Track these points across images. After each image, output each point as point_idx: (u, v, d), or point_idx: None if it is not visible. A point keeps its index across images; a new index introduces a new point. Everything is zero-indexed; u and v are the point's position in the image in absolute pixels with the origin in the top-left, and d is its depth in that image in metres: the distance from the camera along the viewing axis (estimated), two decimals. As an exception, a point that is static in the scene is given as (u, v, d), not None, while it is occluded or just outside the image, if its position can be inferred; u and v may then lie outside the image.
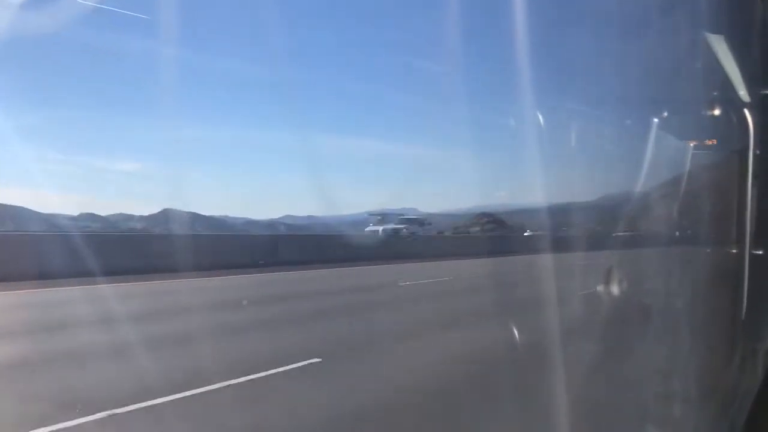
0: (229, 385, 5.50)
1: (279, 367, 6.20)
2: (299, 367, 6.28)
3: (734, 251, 2.78)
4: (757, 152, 2.60)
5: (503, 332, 7.94)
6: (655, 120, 6.12)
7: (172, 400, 5.04)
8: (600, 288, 7.24)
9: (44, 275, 13.26)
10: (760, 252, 2.54)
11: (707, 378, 4.38)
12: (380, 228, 40.63)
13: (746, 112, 2.72)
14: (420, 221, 42.28)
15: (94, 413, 4.65)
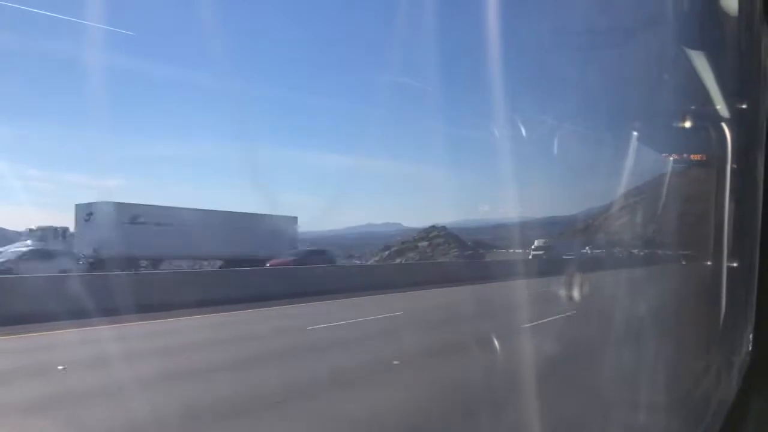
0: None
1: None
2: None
3: (711, 264, 2.81)
4: (734, 166, 2.63)
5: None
6: (635, 133, 6.21)
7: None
8: (562, 292, 7.33)
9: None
10: (735, 264, 2.57)
11: (682, 388, 4.42)
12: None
13: (724, 126, 2.76)
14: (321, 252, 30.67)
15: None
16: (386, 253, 69.77)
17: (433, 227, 77.02)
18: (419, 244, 72.75)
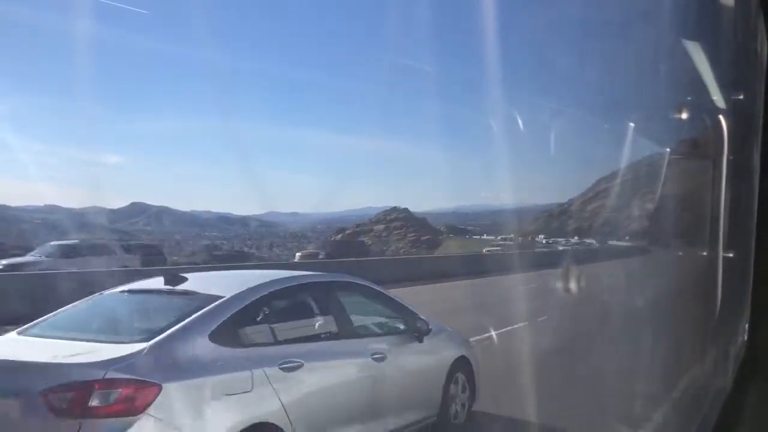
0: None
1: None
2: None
3: (707, 254, 2.82)
4: (730, 157, 2.63)
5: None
6: (632, 124, 6.20)
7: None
8: (559, 285, 7.35)
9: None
10: (731, 254, 2.58)
11: (679, 378, 4.44)
12: None
13: (720, 117, 2.76)
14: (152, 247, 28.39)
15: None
16: (339, 236, 68.13)
17: (394, 209, 74.17)
18: (375, 227, 70.44)
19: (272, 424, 3.21)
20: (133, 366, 2.90)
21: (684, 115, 3.42)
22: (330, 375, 3.72)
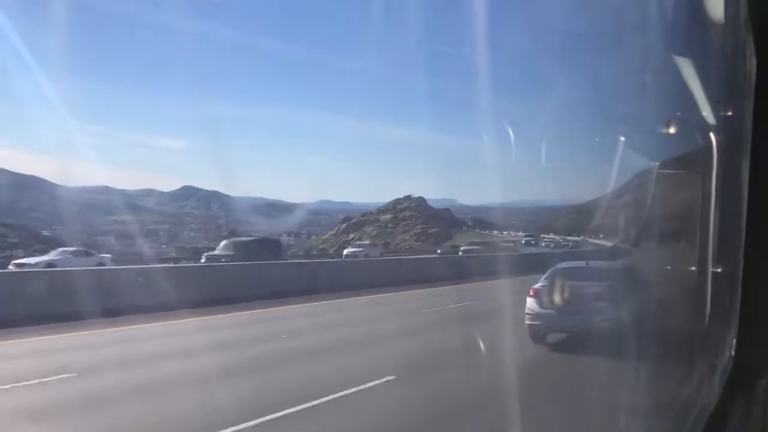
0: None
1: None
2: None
3: (696, 269, 2.83)
4: (719, 172, 2.65)
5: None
6: (621, 138, 6.25)
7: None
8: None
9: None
10: (720, 269, 2.59)
11: (664, 392, 4.44)
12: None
13: (710, 133, 2.78)
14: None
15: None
16: (344, 225, 66.75)
17: (407, 197, 71.15)
18: (381, 217, 68.09)
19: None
20: None
21: (674, 131, 3.46)
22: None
